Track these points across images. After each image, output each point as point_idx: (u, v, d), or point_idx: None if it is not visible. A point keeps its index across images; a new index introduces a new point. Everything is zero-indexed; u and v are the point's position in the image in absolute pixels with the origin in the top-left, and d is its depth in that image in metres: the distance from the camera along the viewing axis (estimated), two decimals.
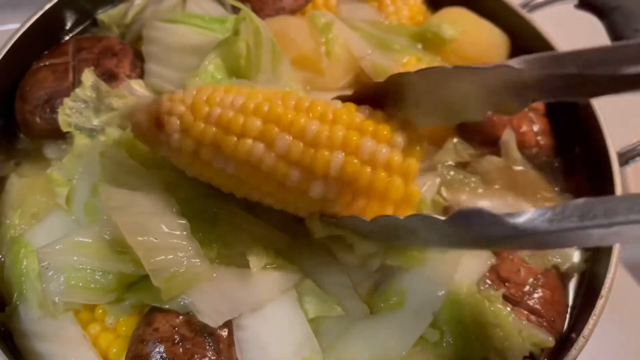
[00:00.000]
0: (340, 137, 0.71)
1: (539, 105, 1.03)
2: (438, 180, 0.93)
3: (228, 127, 0.73)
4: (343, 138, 0.72)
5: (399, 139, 0.74)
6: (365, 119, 0.74)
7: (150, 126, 0.76)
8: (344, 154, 0.71)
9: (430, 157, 0.94)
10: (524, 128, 0.98)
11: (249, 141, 0.72)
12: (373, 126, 0.73)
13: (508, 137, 0.96)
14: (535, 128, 1.00)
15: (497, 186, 0.95)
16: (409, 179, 0.74)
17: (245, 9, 0.92)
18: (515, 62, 0.68)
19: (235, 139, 0.72)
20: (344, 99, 0.79)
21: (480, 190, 0.94)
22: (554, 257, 0.88)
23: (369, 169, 0.72)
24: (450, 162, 0.96)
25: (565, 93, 0.69)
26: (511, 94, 0.71)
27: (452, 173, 0.95)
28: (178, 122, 0.74)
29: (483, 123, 0.97)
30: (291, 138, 0.72)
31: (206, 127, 0.73)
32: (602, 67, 0.64)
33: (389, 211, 0.74)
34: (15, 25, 1.00)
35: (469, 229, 0.63)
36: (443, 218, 0.64)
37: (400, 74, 0.77)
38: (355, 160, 0.71)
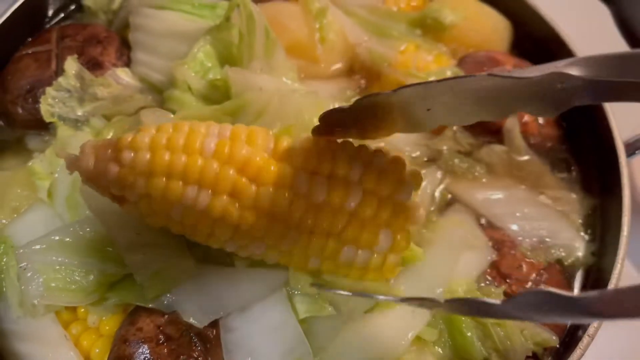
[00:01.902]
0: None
1: None
2: (440, 173, 0.90)
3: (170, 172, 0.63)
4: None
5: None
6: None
7: (103, 158, 0.65)
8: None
9: (430, 145, 0.91)
10: (526, 118, 0.94)
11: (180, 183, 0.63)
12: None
13: (512, 125, 0.92)
14: (539, 118, 0.96)
15: (500, 175, 0.91)
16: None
17: None
18: (575, 69, 0.56)
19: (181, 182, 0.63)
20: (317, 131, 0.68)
21: (484, 180, 0.91)
22: (558, 250, 0.85)
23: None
24: (454, 150, 0.93)
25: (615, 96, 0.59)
26: (552, 100, 0.59)
27: (456, 161, 0.91)
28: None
29: None
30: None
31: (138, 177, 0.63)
32: None
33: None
34: None
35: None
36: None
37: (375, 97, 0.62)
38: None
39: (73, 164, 0.66)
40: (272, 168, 0.64)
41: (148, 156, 0.63)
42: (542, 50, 1.03)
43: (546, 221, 0.85)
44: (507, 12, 1.06)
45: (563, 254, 0.85)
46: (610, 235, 0.85)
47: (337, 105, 0.76)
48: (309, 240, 0.67)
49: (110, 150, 0.65)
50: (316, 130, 0.67)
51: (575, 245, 0.86)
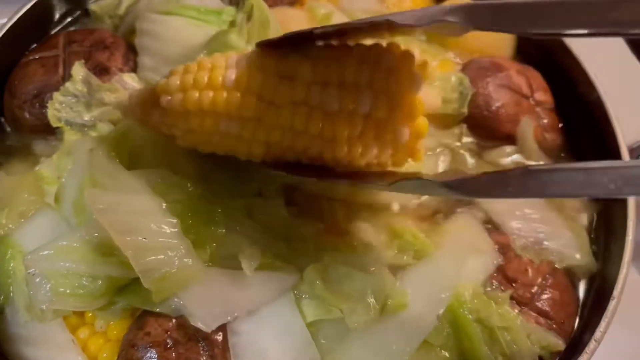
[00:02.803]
0: None
1: (547, 99, 0.99)
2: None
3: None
4: None
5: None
6: None
7: (146, 106, 0.75)
8: None
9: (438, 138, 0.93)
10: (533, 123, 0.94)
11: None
12: None
13: (526, 126, 0.92)
14: (542, 122, 0.96)
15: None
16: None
17: None
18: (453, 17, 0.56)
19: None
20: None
21: None
22: (562, 254, 0.85)
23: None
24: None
25: None
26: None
27: (467, 155, 0.93)
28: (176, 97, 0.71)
29: (488, 117, 0.94)
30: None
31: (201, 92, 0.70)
32: None
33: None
34: (3, 19, 0.97)
35: None
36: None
37: None
38: None
39: (126, 112, 0.78)
40: (284, 89, 0.69)
41: (181, 97, 0.70)
42: (546, 55, 1.03)
43: (550, 225, 0.85)
44: None
45: (568, 258, 0.85)
46: (615, 239, 0.85)
47: None
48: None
49: (151, 97, 0.73)
50: None
51: (580, 249, 0.86)
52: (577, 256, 0.84)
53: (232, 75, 0.69)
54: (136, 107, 0.75)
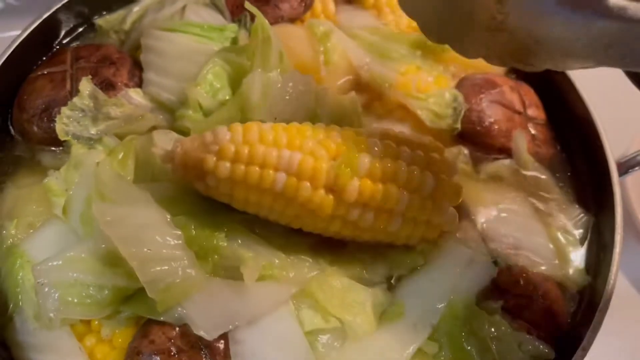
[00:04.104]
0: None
1: (539, 114, 1.02)
2: None
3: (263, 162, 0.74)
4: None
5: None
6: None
7: (190, 174, 0.77)
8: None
9: None
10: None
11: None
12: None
13: (519, 139, 0.96)
14: (535, 137, 0.99)
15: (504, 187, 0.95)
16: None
17: (260, 16, 0.91)
18: None
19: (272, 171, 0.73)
20: None
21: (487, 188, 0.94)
22: (552, 265, 0.87)
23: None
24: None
25: None
26: None
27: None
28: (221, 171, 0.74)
29: (481, 133, 0.97)
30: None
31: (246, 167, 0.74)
32: None
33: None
34: (15, 32, 1.00)
35: None
36: None
37: None
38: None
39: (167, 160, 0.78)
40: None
41: (241, 168, 0.73)
42: (539, 74, 1.06)
43: (542, 238, 0.87)
44: None
45: (559, 272, 0.88)
46: (604, 252, 0.88)
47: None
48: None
49: (197, 166, 0.75)
50: None
51: (570, 260, 0.89)
52: (570, 270, 0.87)
53: (294, 161, 0.73)
54: (179, 167, 0.76)
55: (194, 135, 0.78)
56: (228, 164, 0.73)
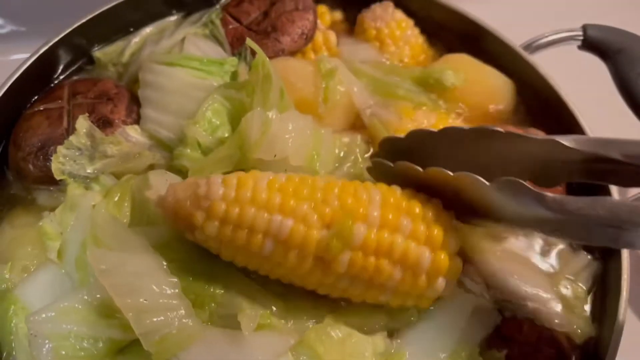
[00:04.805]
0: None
1: None
2: None
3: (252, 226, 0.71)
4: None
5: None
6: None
7: (180, 224, 0.75)
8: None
9: None
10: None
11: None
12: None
13: None
14: None
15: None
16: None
17: (261, 53, 0.90)
18: (565, 140, 0.69)
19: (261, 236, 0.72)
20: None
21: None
22: (558, 314, 0.85)
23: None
24: None
25: (607, 177, 0.70)
26: (554, 168, 0.72)
27: None
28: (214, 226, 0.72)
29: None
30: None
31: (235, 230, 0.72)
32: None
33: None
34: (21, 55, 1.00)
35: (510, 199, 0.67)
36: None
37: (425, 133, 0.78)
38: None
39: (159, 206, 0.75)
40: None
41: (229, 229, 0.72)
42: (546, 109, 1.05)
43: (546, 290, 0.85)
44: (509, 69, 1.09)
45: (563, 317, 0.86)
46: (609, 299, 0.87)
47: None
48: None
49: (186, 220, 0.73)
50: (375, 155, 0.81)
51: (576, 308, 0.87)
52: (575, 319, 0.85)
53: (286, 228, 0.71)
54: (170, 218, 0.75)
55: (188, 182, 0.76)
56: (217, 224, 0.71)
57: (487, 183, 0.68)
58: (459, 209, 0.76)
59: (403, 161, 0.78)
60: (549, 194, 0.64)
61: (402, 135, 0.83)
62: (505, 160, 0.74)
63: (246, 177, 0.74)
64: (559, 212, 0.63)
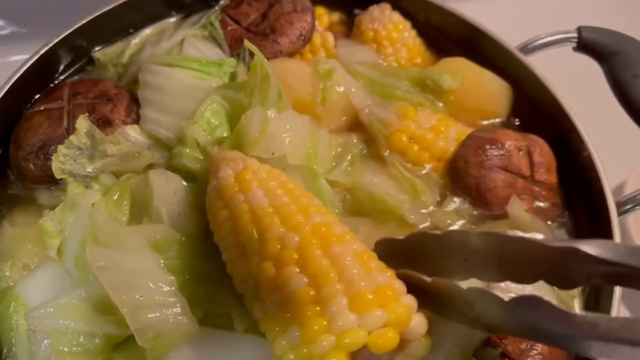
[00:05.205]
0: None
1: (548, 178, 0.99)
2: None
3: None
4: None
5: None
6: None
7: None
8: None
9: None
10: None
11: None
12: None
13: (515, 206, 0.93)
14: (537, 204, 0.97)
15: None
16: None
17: (259, 54, 0.91)
18: (587, 247, 0.58)
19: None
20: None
21: None
22: None
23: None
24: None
25: (636, 283, 0.59)
26: (572, 272, 0.61)
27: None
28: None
29: (476, 200, 0.95)
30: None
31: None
32: None
33: None
34: (21, 57, 1.00)
35: (528, 317, 0.58)
36: (506, 299, 0.59)
37: (429, 235, 0.68)
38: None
39: None
40: None
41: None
42: (541, 114, 1.07)
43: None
44: (505, 71, 1.09)
45: None
46: (602, 294, 0.87)
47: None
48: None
49: None
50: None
51: (568, 305, 0.88)
52: None
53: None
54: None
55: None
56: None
57: (504, 299, 0.60)
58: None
59: (406, 269, 0.70)
60: (578, 312, 0.55)
61: (401, 237, 0.71)
62: (517, 263, 0.64)
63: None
64: (589, 334, 0.53)
